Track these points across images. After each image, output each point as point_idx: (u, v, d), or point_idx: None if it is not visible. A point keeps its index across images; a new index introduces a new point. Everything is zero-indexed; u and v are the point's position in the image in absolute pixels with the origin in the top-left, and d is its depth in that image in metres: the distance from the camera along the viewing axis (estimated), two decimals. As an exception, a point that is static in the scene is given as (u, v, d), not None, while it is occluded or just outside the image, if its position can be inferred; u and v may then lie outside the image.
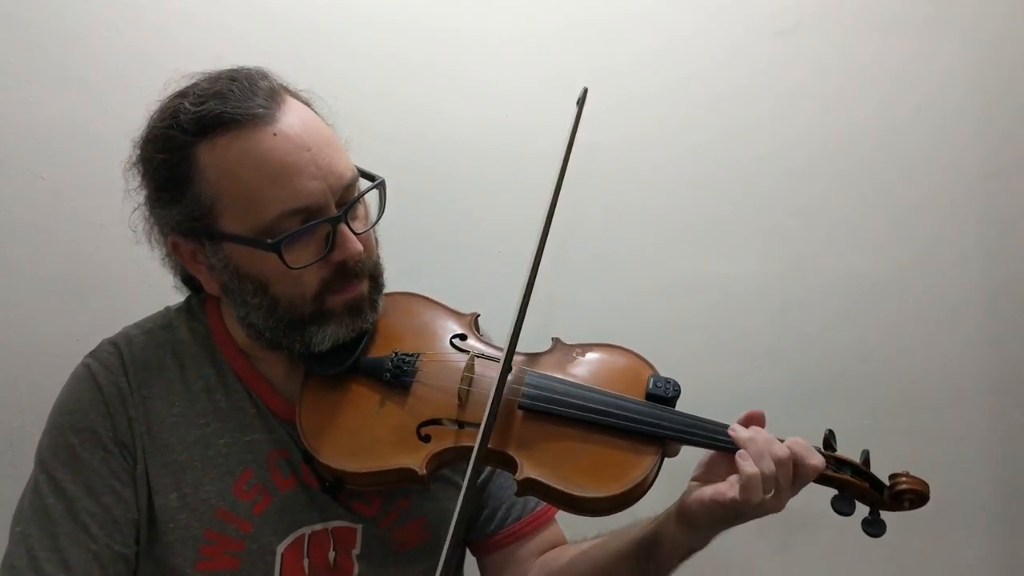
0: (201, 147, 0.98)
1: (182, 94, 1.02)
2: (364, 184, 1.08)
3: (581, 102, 1.16)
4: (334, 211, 1.00)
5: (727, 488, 0.96)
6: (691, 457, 1.05)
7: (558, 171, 1.10)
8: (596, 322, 1.60)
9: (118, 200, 1.43)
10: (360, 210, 1.06)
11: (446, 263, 1.56)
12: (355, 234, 1.03)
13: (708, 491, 0.97)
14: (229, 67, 1.04)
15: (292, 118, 1.00)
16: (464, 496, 0.90)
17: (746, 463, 0.95)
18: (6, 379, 1.44)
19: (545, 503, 1.19)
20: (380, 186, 1.08)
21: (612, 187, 1.62)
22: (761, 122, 1.67)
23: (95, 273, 1.48)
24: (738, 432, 0.99)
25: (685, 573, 1.08)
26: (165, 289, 1.46)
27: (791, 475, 0.96)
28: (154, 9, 1.46)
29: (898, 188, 1.72)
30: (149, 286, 1.46)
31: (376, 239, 1.10)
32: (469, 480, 0.91)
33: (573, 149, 1.12)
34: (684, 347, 1.59)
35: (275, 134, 0.98)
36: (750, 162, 1.68)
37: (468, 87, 1.59)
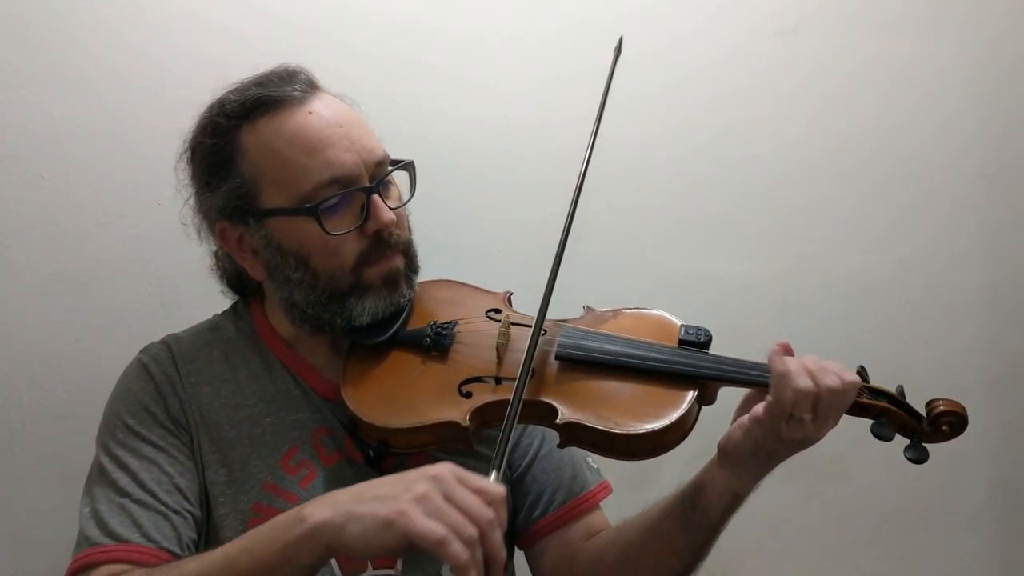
0: (244, 129, 1.10)
1: (229, 90, 1.13)
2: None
3: (618, 51, 1.25)
4: (367, 183, 1.10)
5: (763, 404, 0.98)
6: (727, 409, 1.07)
7: (594, 123, 1.19)
8: None
9: (118, 199, 1.47)
10: (392, 191, 1.16)
11: (446, 263, 1.56)
12: (390, 208, 1.11)
13: (746, 416, 1.00)
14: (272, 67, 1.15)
15: (326, 101, 1.12)
16: (507, 419, 0.93)
17: (777, 360, 0.99)
18: (5, 378, 1.44)
19: (588, 490, 1.23)
20: (409, 166, 1.18)
21: (612, 187, 1.62)
22: (760, 122, 1.69)
23: (95, 272, 1.48)
24: (774, 363, 1.00)
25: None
26: (165, 289, 1.48)
27: (827, 387, 0.97)
28: (154, 8, 1.47)
29: (897, 188, 1.73)
30: (149, 285, 1.49)
31: (408, 221, 1.19)
32: (510, 415, 0.93)
33: (608, 101, 1.20)
34: None
35: (310, 112, 1.09)
36: (749, 162, 1.69)
37: (469, 87, 1.60)
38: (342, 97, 1.16)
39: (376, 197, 1.09)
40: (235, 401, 1.13)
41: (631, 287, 1.66)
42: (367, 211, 1.09)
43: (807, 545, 1.74)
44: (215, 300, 1.28)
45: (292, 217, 1.08)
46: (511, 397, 0.96)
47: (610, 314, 1.18)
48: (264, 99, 1.09)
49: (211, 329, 1.21)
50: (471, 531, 0.80)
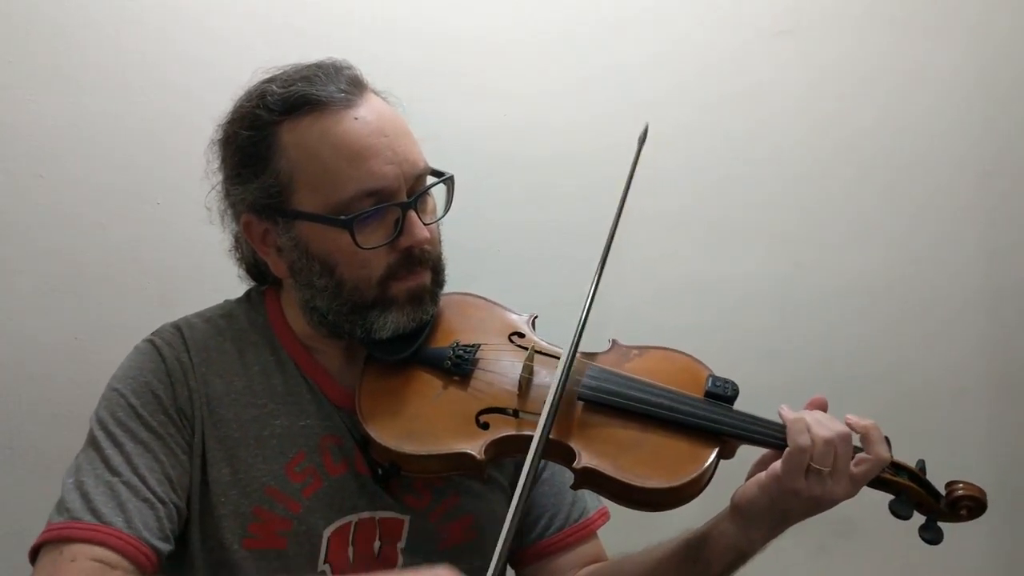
0: (285, 126, 1.04)
1: (270, 79, 1.08)
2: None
3: (642, 140, 1.21)
4: (405, 197, 1.05)
5: (782, 458, 0.97)
6: (744, 464, 1.06)
7: (618, 206, 1.16)
8: (602, 323, 1.58)
9: (118, 199, 1.46)
10: (429, 203, 1.11)
11: (450, 266, 1.56)
12: (425, 223, 1.07)
13: (764, 472, 0.98)
14: (316, 59, 1.10)
15: (372, 106, 1.06)
16: (525, 482, 0.88)
17: (789, 411, 0.99)
18: (5, 377, 1.43)
19: (586, 517, 1.20)
20: (449, 181, 1.12)
21: (615, 189, 1.64)
22: (764, 124, 1.68)
23: (94, 272, 1.48)
24: (786, 413, 1.01)
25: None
26: (164, 287, 1.48)
27: (843, 454, 0.96)
28: (153, 11, 1.47)
29: (902, 190, 1.72)
30: (148, 284, 1.48)
31: (440, 236, 1.14)
32: (532, 464, 0.90)
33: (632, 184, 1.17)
34: (687, 348, 1.59)
35: (356, 118, 1.03)
36: (754, 164, 1.69)
37: (469, 88, 1.60)
38: (387, 96, 1.12)
39: (412, 213, 1.05)
40: (246, 398, 1.09)
41: (635, 289, 1.66)
42: (401, 226, 1.04)
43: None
44: (215, 299, 1.23)
45: (323, 224, 1.04)
46: (530, 435, 0.93)
47: (636, 352, 1.14)
48: (310, 97, 1.03)
49: (224, 317, 1.16)
50: None
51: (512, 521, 0.85)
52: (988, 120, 1.73)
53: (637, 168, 1.17)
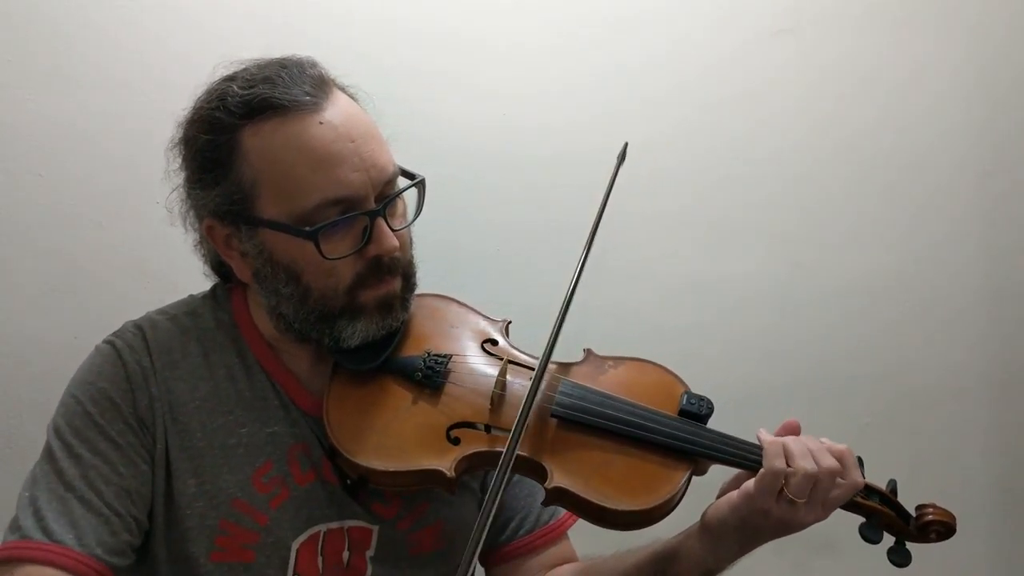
0: (247, 130, 0.99)
1: (231, 78, 1.02)
2: (403, 182, 1.08)
3: (622, 157, 1.18)
4: (373, 204, 1.01)
5: (755, 479, 0.96)
6: (716, 479, 1.06)
7: (594, 220, 1.13)
8: (600, 325, 1.58)
9: (116, 198, 1.46)
10: (399, 207, 1.07)
11: (445, 263, 1.55)
12: (392, 230, 1.02)
13: (735, 491, 0.97)
14: (280, 55, 1.04)
15: (338, 108, 1.01)
16: (490, 499, 0.87)
17: (766, 435, 0.98)
18: (4, 377, 1.43)
19: (556, 519, 1.20)
20: (419, 185, 1.08)
21: (614, 190, 1.63)
22: (764, 124, 1.68)
23: (93, 270, 1.48)
24: (763, 435, 1.00)
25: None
26: (163, 286, 1.43)
27: (825, 488, 0.95)
28: (150, 10, 1.46)
29: (901, 189, 1.72)
30: (147, 283, 1.48)
31: (411, 239, 1.11)
32: (499, 485, 0.89)
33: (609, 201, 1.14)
34: (686, 348, 1.58)
35: (321, 123, 0.98)
36: (753, 164, 1.68)
37: (469, 88, 1.59)
38: (355, 92, 1.08)
39: (381, 221, 1.00)
40: (210, 405, 1.06)
41: (634, 290, 1.66)
42: (369, 235, 1.00)
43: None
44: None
45: (288, 234, 0.99)
46: (501, 452, 0.92)
47: (610, 364, 1.12)
48: (273, 101, 0.97)
49: (189, 315, 1.11)
50: None
51: (479, 537, 0.84)
52: (988, 120, 1.72)
53: (615, 185, 1.15)
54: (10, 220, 1.44)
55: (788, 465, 0.95)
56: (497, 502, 0.87)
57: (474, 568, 0.90)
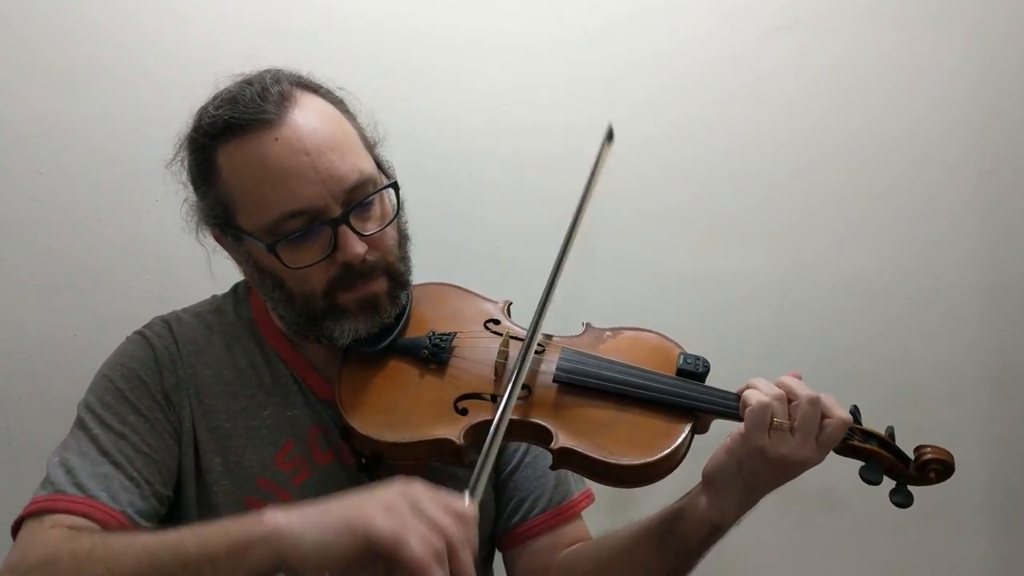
0: (219, 150, 1.05)
1: (213, 98, 1.08)
2: (381, 182, 1.11)
3: (608, 136, 1.23)
4: (336, 213, 1.04)
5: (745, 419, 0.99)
6: (718, 442, 1.07)
7: (578, 204, 1.17)
8: (602, 319, 1.60)
9: (116, 196, 1.47)
10: (375, 210, 1.09)
11: (444, 262, 1.57)
12: (364, 235, 1.06)
13: (729, 436, 1.01)
14: (260, 69, 1.09)
15: (297, 122, 1.04)
16: (496, 425, 0.94)
17: (751, 391, 1.01)
18: (4, 373, 1.44)
19: (569, 499, 1.23)
20: (393, 186, 1.11)
21: (615, 187, 1.63)
22: (763, 122, 1.68)
23: (93, 268, 1.49)
24: (751, 380, 1.03)
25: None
26: (163, 284, 1.49)
27: (809, 415, 0.98)
28: (148, 10, 1.48)
29: (901, 187, 1.72)
30: (147, 281, 1.50)
31: (405, 235, 1.15)
32: (498, 419, 0.94)
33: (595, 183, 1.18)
34: (684, 345, 1.59)
35: (276, 139, 1.02)
36: (753, 161, 1.69)
37: (469, 88, 1.60)
38: (340, 97, 1.12)
39: (344, 229, 1.03)
40: (234, 388, 1.12)
41: (635, 285, 1.67)
42: (335, 243, 1.04)
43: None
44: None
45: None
46: (495, 419, 0.96)
47: (609, 334, 1.17)
48: (232, 122, 1.03)
49: (212, 312, 1.19)
50: (436, 543, 0.79)
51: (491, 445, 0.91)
52: (988, 118, 1.72)
53: (602, 167, 1.20)
54: (9, 218, 1.45)
55: (767, 394, 0.98)
56: (494, 451, 0.93)
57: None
